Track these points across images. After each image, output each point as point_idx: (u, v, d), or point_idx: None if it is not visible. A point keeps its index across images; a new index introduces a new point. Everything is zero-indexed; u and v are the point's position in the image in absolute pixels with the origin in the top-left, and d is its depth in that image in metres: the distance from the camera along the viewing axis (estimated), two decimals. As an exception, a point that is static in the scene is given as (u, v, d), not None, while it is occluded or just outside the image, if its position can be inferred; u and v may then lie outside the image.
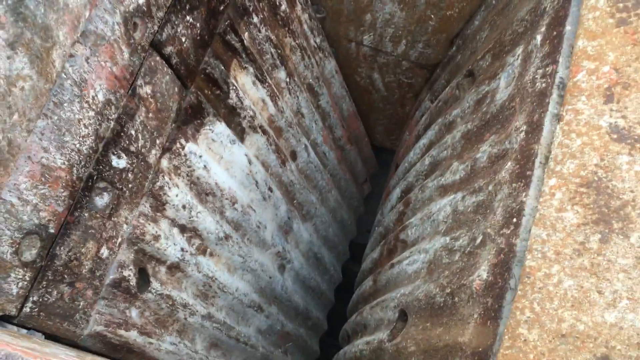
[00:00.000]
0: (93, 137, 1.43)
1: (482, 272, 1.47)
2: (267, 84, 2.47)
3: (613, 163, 1.37)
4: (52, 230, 1.36)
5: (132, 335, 1.81)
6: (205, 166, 2.04)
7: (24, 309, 1.37)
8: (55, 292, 1.44)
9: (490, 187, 1.63)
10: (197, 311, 2.16)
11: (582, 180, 1.37)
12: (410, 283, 1.96)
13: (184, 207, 1.93)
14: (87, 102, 1.38)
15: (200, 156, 2.01)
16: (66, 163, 1.35)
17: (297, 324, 3.31)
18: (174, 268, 1.99)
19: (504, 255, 1.42)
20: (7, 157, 1.17)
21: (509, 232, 1.43)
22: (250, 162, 2.37)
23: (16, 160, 1.20)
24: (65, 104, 1.32)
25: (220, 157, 2.16)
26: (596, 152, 1.38)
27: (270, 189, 2.60)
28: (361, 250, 3.40)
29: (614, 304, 1.25)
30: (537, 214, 1.38)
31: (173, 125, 1.82)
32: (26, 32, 1.16)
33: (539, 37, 1.74)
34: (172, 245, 1.91)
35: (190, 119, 1.92)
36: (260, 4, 2.40)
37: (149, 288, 1.85)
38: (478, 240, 1.57)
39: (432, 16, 2.81)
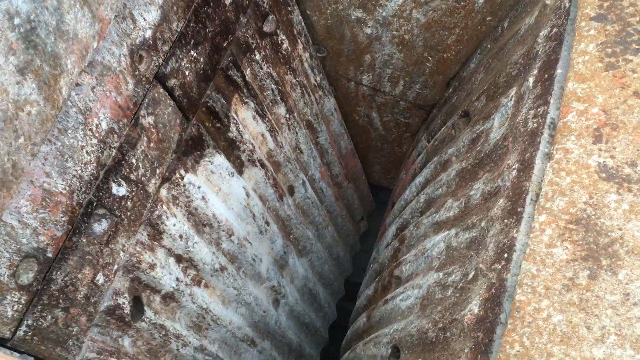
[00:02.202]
0: (95, 164, 1.46)
1: (474, 307, 1.49)
2: (267, 119, 2.52)
3: (601, 201, 1.40)
4: (49, 255, 1.38)
5: (124, 365, 1.81)
6: (203, 197, 2.07)
7: (18, 332, 1.37)
8: (49, 317, 1.45)
9: (483, 224, 1.66)
10: (189, 342, 2.16)
11: (572, 217, 1.40)
12: (404, 319, 1.97)
13: (180, 237, 1.96)
14: (90, 129, 1.42)
15: (199, 187, 2.04)
16: (67, 188, 1.38)
17: (290, 360, 3.29)
18: (169, 298, 2.00)
19: (495, 290, 1.43)
20: (10, 180, 1.20)
21: (500, 267, 1.46)
22: (248, 195, 2.41)
23: (19, 183, 1.23)
24: (69, 131, 1.36)
25: (218, 188, 2.20)
26: (585, 190, 1.42)
27: (267, 223, 2.63)
28: (356, 289, 3.40)
29: (602, 339, 1.26)
30: (527, 249, 1.40)
31: (173, 155, 1.86)
32: (36, 59, 1.21)
33: (531, 80, 1.80)
34: (168, 274, 1.93)
35: (190, 150, 1.96)
36: (263, 41, 2.47)
37: (143, 317, 1.86)
38: (470, 276, 1.59)
39: (430, 58, 2.89)
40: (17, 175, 1.21)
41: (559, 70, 1.67)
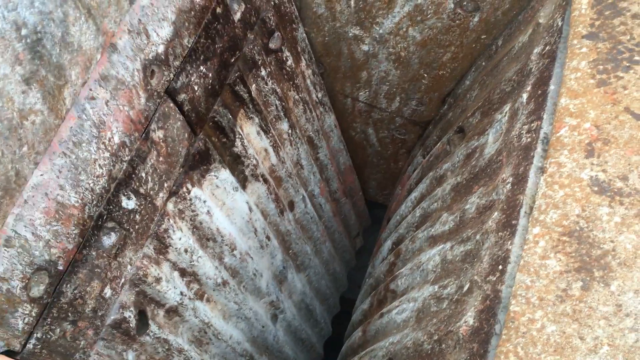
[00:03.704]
0: (106, 178, 1.50)
1: (469, 318, 1.52)
2: (270, 134, 2.57)
3: (594, 214, 1.45)
4: (60, 267, 1.42)
5: (128, 378, 1.84)
6: (208, 211, 2.11)
7: (27, 345, 1.40)
8: (58, 330, 1.48)
9: (477, 237, 1.70)
10: (191, 357, 2.18)
11: (565, 230, 1.44)
12: (399, 332, 2.00)
13: (185, 250, 1.99)
14: (104, 143, 1.46)
15: (205, 201, 2.08)
16: (80, 201, 1.42)
17: (287, 375, 3.31)
18: (172, 312, 2.03)
19: (490, 301, 1.47)
20: (13, 187, 1.23)
21: (494, 278, 1.50)
22: (250, 210, 2.45)
23: (22, 191, 1.26)
24: (83, 144, 1.40)
25: (223, 203, 2.24)
26: (578, 203, 1.47)
27: (267, 238, 2.66)
28: (351, 306, 3.42)
29: (595, 350, 1.29)
30: (521, 261, 1.44)
31: (181, 169, 1.90)
32: (41, 70, 1.25)
33: (524, 96, 1.85)
34: (173, 288, 1.96)
35: (197, 164, 2.00)
36: (268, 58, 2.52)
37: (147, 331, 1.89)
38: (465, 288, 1.63)
39: (426, 75, 2.95)
40: (20, 183, 1.25)
41: (551, 87, 1.73)
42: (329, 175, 3.39)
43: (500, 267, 1.50)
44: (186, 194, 1.97)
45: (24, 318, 1.35)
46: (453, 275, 1.76)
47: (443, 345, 1.59)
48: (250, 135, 2.43)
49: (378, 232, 3.60)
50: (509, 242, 1.51)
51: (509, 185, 1.65)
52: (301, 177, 3.01)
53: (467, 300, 1.59)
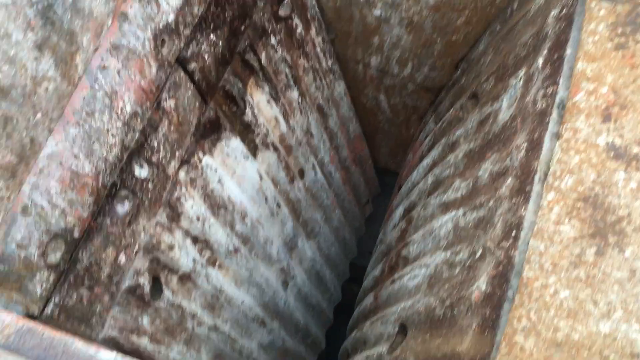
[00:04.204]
0: (119, 147, 1.51)
1: (481, 284, 1.52)
2: (280, 102, 2.56)
3: (609, 180, 1.43)
4: (76, 235, 1.43)
5: (144, 342, 1.87)
6: (219, 180, 2.11)
7: (46, 310, 1.43)
8: (75, 295, 1.50)
9: (490, 203, 1.70)
10: (204, 322, 2.21)
11: (580, 196, 1.43)
12: (411, 297, 2.01)
13: (197, 218, 2.00)
14: (116, 113, 1.46)
15: (216, 170, 2.08)
16: (94, 170, 1.43)
17: (297, 340, 3.35)
18: (185, 278, 2.05)
19: (503, 267, 1.47)
20: (29, 155, 1.24)
21: (507, 244, 1.50)
22: (261, 178, 2.45)
23: (37, 159, 1.27)
24: (96, 114, 1.40)
25: (233, 171, 2.24)
26: (593, 168, 1.45)
27: (278, 205, 2.67)
28: (360, 272, 3.44)
29: (609, 314, 1.30)
30: (535, 227, 1.44)
31: (192, 138, 1.90)
32: (53, 36, 1.24)
33: (540, 60, 1.82)
34: (185, 255, 1.98)
35: (208, 133, 2.00)
36: (278, 25, 2.49)
37: (161, 296, 1.92)
38: (478, 254, 1.63)
39: (438, 40, 2.91)
40: (35, 150, 1.26)
41: (568, 51, 1.69)
42: (339, 143, 3.38)
43: (513, 233, 1.49)
44: (197, 163, 1.97)
45: (42, 284, 1.37)
46: (465, 242, 1.75)
47: (455, 311, 1.60)
48: (261, 104, 2.42)
49: (388, 200, 3.60)
50: (523, 209, 1.50)
51: (523, 151, 1.64)
52: (311, 145, 3.01)
53: (480, 266, 1.59)
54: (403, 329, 1.97)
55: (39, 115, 1.24)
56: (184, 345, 2.15)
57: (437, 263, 1.90)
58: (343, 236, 3.74)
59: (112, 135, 1.47)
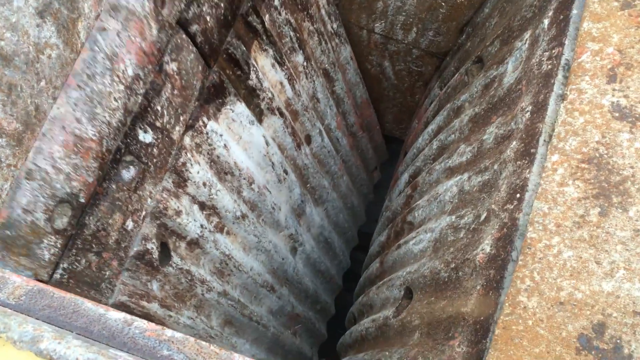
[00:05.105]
0: (122, 111, 1.51)
1: (486, 246, 1.53)
2: (285, 67, 2.54)
3: (614, 140, 1.43)
4: (82, 200, 1.45)
5: (154, 307, 1.90)
6: (225, 145, 2.12)
7: (55, 275, 1.45)
8: (83, 261, 1.52)
9: (495, 166, 1.70)
10: (213, 288, 2.24)
11: (584, 157, 1.43)
12: (416, 262, 2.02)
13: (204, 184, 2.01)
14: (117, 75, 1.46)
15: (221, 135, 2.09)
16: (97, 135, 1.43)
17: (306, 306, 3.39)
18: (193, 244, 2.07)
19: (507, 229, 1.48)
20: (34, 122, 1.25)
21: (512, 207, 1.50)
22: (267, 144, 2.45)
23: (42, 126, 1.28)
24: (97, 77, 1.40)
25: (239, 137, 2.24)
26: (598, 129, 1.45)
27: (285, 171, 2.68)
28: (369, 240, 3.46)
29: (612, 273, 1.31)
30: (539, 189, 1.44)
31: (196, 103, 1.90)
32: (54, 2, 1.24)
33: (546, 21, 1.80)
34: (193, 221, 2.00)
35: (212, 98, 1.99)
36: (281, -14, 2.46)
37: (170, 262, 1.94)
38: (483, 217, 1.64)
39: (443, 4, 2.87)
40: (40, 117, 1.26)
41: (574, 11, 1.67)
42: (346, 109, 3.37)
43: (518, 195, 1.50)
44: (202, 128, 1.97)
45: (50, 249, 1.39)
46: (470, 205, 1.76)
47: (460, 273, 1.62)
48: (265, 68, 2.40)
49: (394, 167, 3.60)
50: (527, 171, 1.50)
51: (528, 113, 1.63)
52: (317, 110, 3.00)
53: (484, 229, 1.60)
54: (408, 293, 1.99)
55: (42, 82, 1.24)
56: (194, 310, 2.18)
57: (442, 227, 1.91)
58: (351, 203, 3.75)
59: (115, 98, 1.47)
